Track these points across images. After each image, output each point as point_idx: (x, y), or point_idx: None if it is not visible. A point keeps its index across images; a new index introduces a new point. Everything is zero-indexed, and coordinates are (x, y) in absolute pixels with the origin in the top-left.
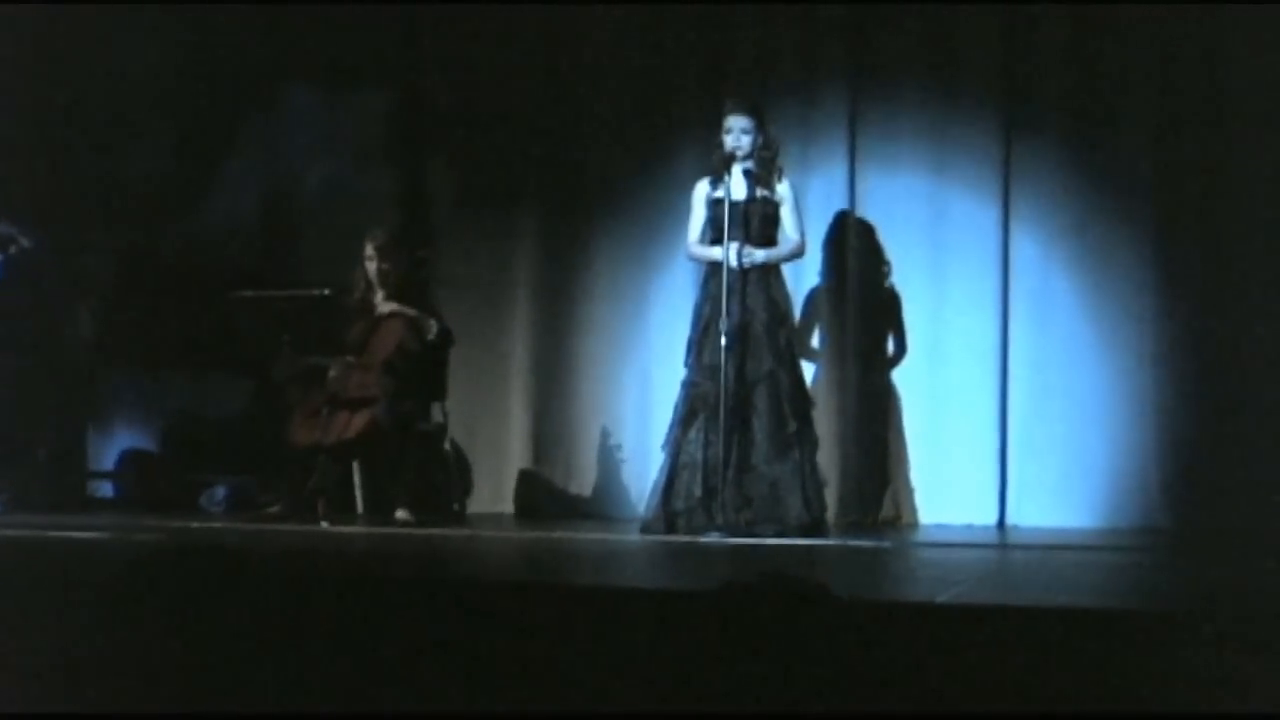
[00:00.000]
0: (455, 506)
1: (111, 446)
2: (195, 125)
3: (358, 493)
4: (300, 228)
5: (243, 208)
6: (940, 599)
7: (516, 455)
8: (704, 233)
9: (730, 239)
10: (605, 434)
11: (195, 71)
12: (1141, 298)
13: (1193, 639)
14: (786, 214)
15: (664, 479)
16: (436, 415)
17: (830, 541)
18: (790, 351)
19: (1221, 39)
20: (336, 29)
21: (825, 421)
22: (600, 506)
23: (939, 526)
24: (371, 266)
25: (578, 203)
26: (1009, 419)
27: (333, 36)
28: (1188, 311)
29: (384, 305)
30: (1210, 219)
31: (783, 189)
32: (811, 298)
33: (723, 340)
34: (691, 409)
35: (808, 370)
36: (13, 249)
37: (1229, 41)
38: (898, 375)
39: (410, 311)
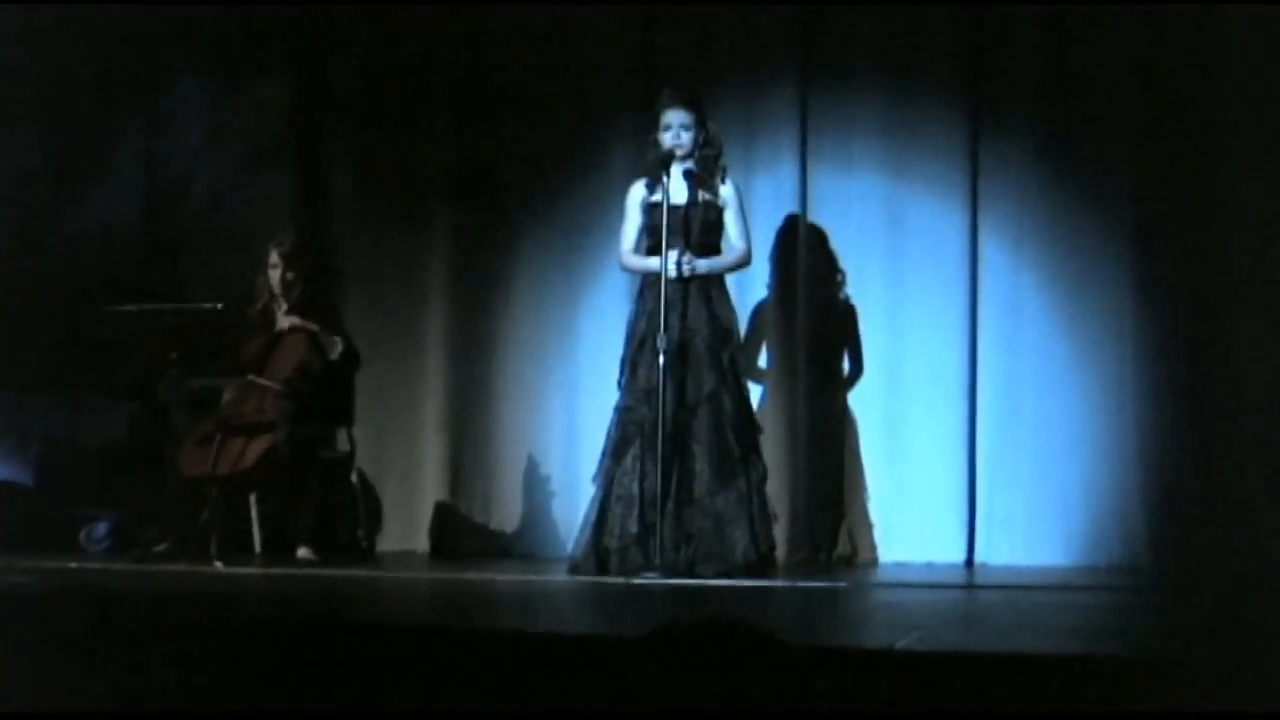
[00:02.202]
0: (363, 544)
1: None
2: (69, 118)
3: (254, 529)
4: (188, 233)
5: (123, 211)
6: (900, 645)
7: (431, 487)
8: (639, 240)
9: (669, 247)
10: (530, 464)
11: (68, 59)
12: (1122, 309)
13: (1177, 688)
14: (730, 219)
15: (595, 513)
16: (342, 442)
17: (779, 582)
18: (735, 371)
19: (1207, 25)
20: (226, 13)
21: (774, 449)
22: (524, 544)
23: (899, 565)
24: (275, 275)
25: (498, 207)
26: (977, 445)
27: (222, 22)
28: (1174, 325)
29: (284, 320)
30: (1197, 221)
31: (726, 191)
32: (758, 312)
33: (660, 359)
34: (625, 436)
35: (754, 392)
36: None
37: (1215, 28)
38: (854, 397)
39: (313, 327)
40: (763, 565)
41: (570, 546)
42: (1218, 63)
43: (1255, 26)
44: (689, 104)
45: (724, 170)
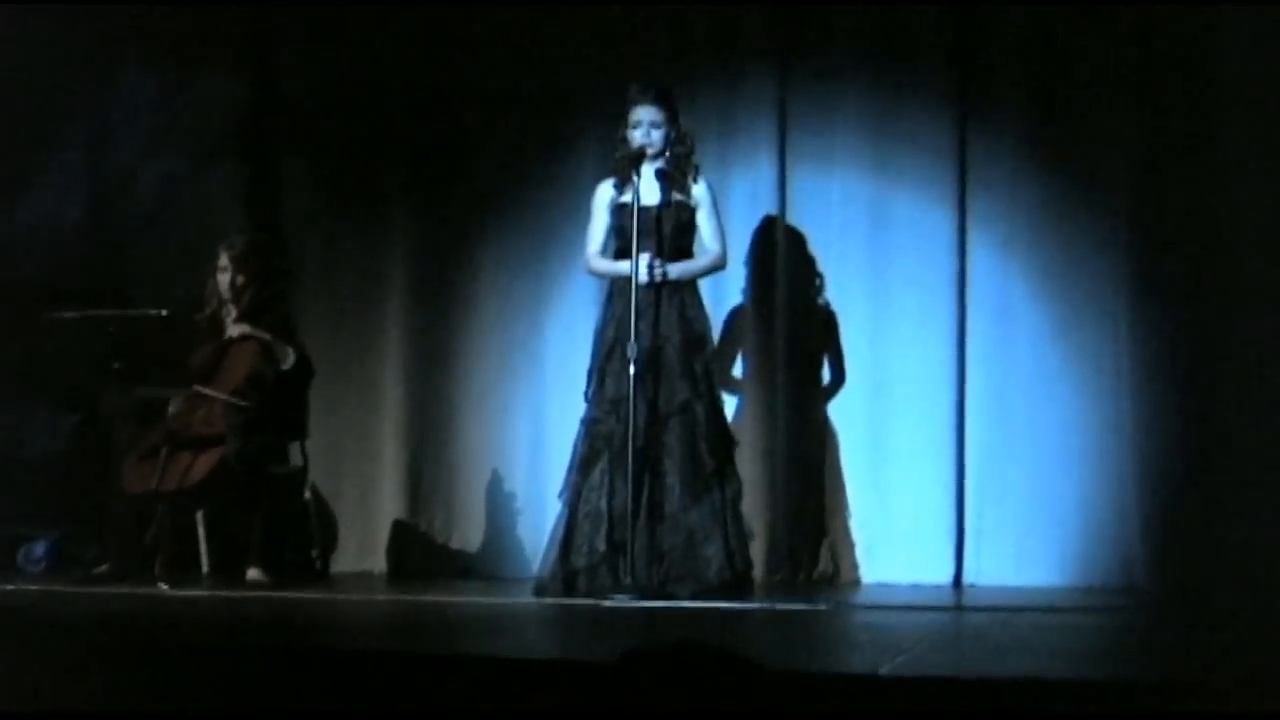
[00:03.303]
0: (316, 564)
1: None
2: (6, 113)
3: (202, 548)
4: (133, 236)
5: (65, 212)
6: (884, 670)
7: (389, 504)
8: (607, 243)
9: (639, 250)
10: (494, 479)
11: (6, 52)
12: (1118, 313)
13: (1178, 715)
14: (704, 220)
15: (562, 532)
16: (295, 457)
17: (756, 603)
18: (708, 381)
19: (1205, 16)
20: (174, 4)
21: (750, 462)
22: (488, 564)
23: (884, 585)
24: (225, 279)
25: (460, 207)
26: (965, 459)
27: (170, 13)
28: (1172, 330)
29: (234, 327)
30: (1197, 219)
31: (699, 191)
32: (734, 318)
33: (630, 368)
34: (593, 449)
35: (729, 402)
36: None
37: (1213, 20)
38: (835, 408)
39: (264, 335)
40: (739, 585)
41: (536, 567)
42: (1217, 57)
43: (1255, 19)
44: (659, 100)
45: (697, 169)
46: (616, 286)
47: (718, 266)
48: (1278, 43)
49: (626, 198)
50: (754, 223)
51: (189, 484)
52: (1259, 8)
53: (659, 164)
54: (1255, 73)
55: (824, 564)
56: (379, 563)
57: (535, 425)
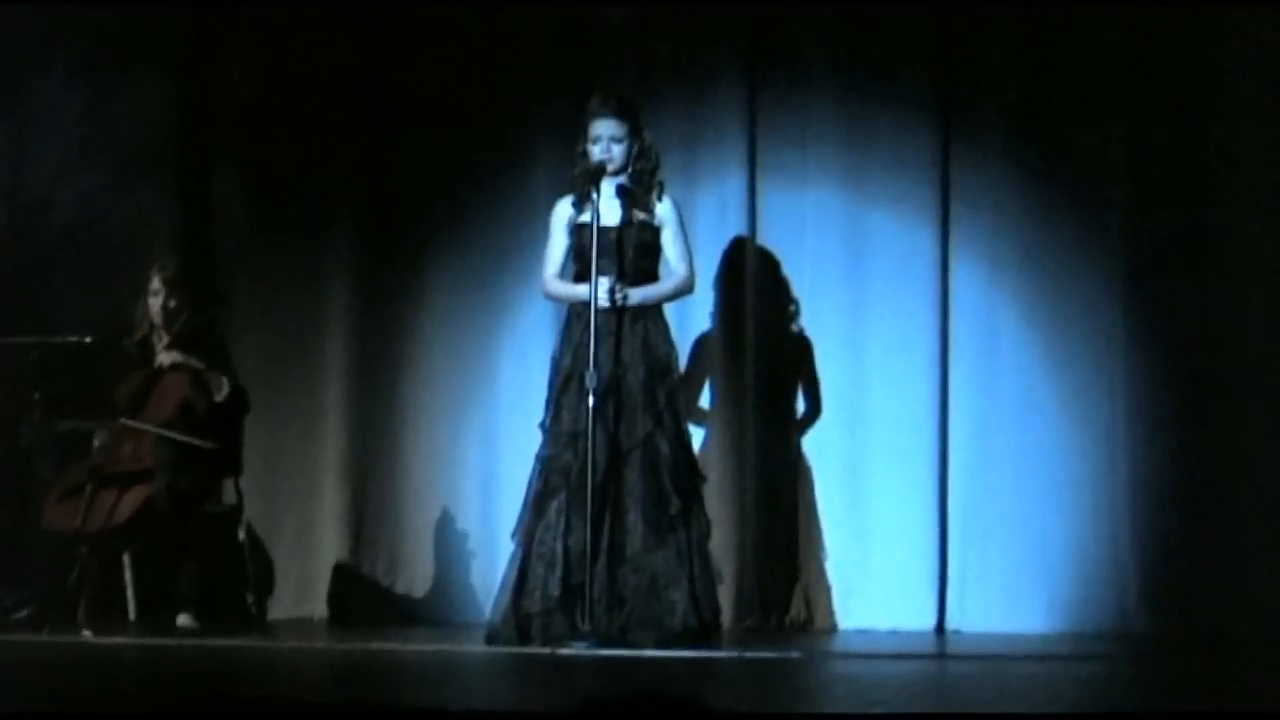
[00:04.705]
0: (252, 610)
1: None
2: None
3: (129, 593)
4: (54, 254)
5: None
6: None
7: (329, 545)
8: (565, 265)
9: (598, 272)
10: (443, 518)
11: None
12: (1111, 340)
13: None
14: (669, 241)
15: (514, 574)
16: (228, 494)
17: (724, 652)
18: (673, 412)
19: (1204, 24)
20: (101, 6)
21: (718, 500)
22: (435, 609)
23: (861, 632)
24: (156, 303)
25: (406, 226)
26: (949, 494)
27: (95, 15)
28: (1168, 357)
29: (165, 355)
30: (1195, 239)
31: (664, 210)
32: (701, 345)
33: (589, 399)
34: (549, 486)
35: (696, 435)
36: None
37: (1214, 27)
38: (809, 441)
39: (197, 364)
40: (705, 632)
41: (488, 611)
42: (1217, 66)
43: (1253, 28)
44: (620, 113)
45: (661, 186)
46: (575, 311)
47: (684, 290)
48: (1275, 53)
49: (586, 217)
50: (722, 243)
51: (115, 523)
52: (1254, 16)
53: (620, 181)
54: (1253, 85)
55: (797, 609)
56: (319, 608)
57: (487, 460)
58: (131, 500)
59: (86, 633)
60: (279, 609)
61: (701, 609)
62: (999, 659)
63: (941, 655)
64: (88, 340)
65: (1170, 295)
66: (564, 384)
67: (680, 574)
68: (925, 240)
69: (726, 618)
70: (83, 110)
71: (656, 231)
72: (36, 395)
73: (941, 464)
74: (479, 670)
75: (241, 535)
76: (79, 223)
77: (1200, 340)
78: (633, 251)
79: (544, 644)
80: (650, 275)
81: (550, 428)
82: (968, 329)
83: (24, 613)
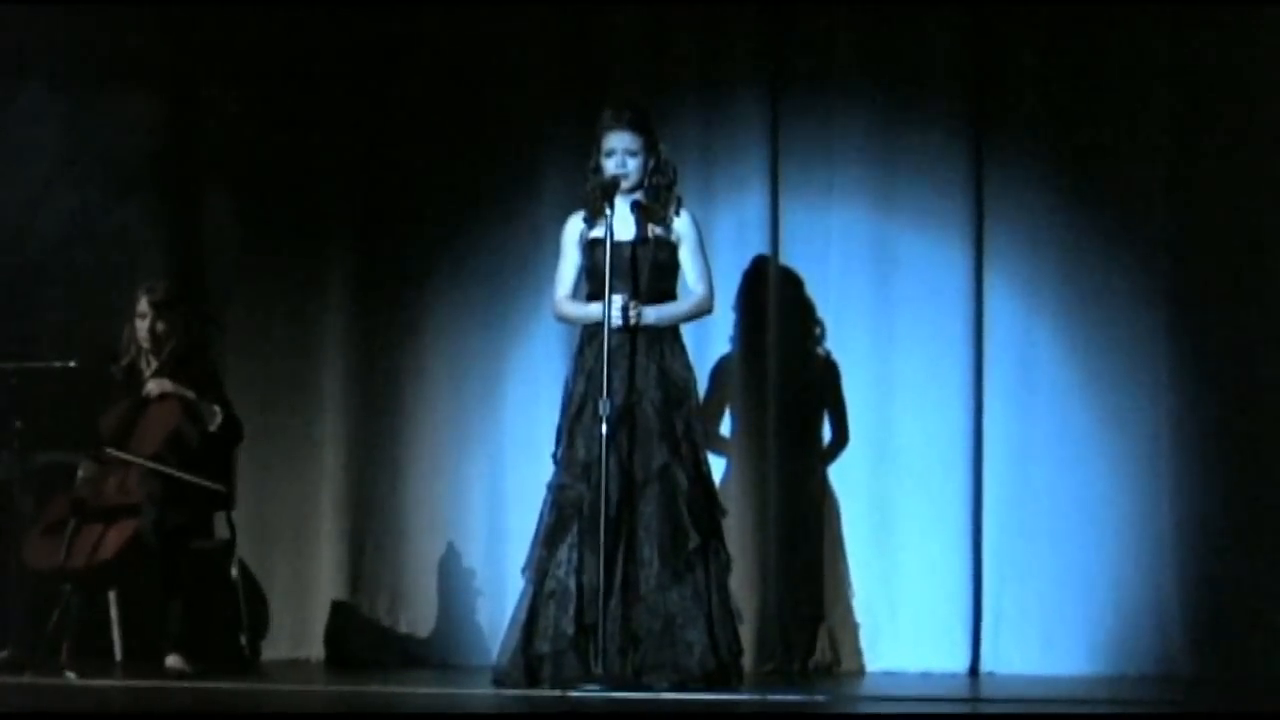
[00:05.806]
0: (245, 650)
1: None
2: None
3: (114, 632)
4: (35, 278)
5: None
6: None
7: (327, 583)
8: (578, 284)
9: (612, 292)
10: (447, 554)
11: None
12: (1155, 368)
13: None
14: (686, 258)
15: (525, 612)
16: (220, 529)
17: (744, 695)
18: (691, 441)
19: (1253, 31)
20: (86, 17)
21: (739, 534)
22: (440, 651)
23: (889, 675)
24: (144, 327)
25: (408, 245)
26: (983, 530)
27: (81, 26)
28: (1217, 387)
29: (154, 383)
30: (1246, 259)
31: (681, 226)
32: (720, 369)
33: (602, 428)
34: (561, 519)
35: (716, 466)
36: None
37: (1254, 34)
38: (835, 472)
39: (187, 392)
40: (724, 675)
41: (495, 653)
42: (1262, 77)
43: None
44: (635, 125)
45: (679, 201)
46: (587, 334)
47: (703, 311)
48: None
49: (599, 233)
50: (743, 262)
51: (100, 560)
52: None
53: (635, 196)
54: None
55: (822, 650)
56: (316, 649)
57: (494, 493)
58: (117, 535)
59: (70, 675)
60: (273, 650)
61: (720, 650)
62: (1036, 703)
63: (976, 699)
64: (71, 365)
65: (1220, 321)
66: (576, 411)
67: (698, 613)
68: (957, 260)
69: (748, 659)
70: (66, 125)
71: (673, 248)
72: (16, 424)
73: (975, 498)
74: (486, 715)
75: (234, 572)
76: (63, 241)
77: (1250, 373)
78: (648, 269)
79: (555, 686)
80: (667, 295)
81: (562, 458)
82: (1003, 355)
83: (3, 654)
